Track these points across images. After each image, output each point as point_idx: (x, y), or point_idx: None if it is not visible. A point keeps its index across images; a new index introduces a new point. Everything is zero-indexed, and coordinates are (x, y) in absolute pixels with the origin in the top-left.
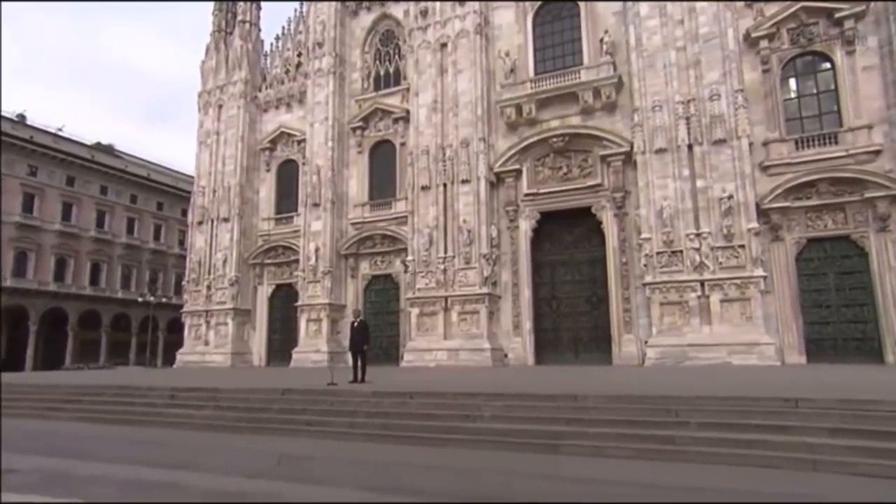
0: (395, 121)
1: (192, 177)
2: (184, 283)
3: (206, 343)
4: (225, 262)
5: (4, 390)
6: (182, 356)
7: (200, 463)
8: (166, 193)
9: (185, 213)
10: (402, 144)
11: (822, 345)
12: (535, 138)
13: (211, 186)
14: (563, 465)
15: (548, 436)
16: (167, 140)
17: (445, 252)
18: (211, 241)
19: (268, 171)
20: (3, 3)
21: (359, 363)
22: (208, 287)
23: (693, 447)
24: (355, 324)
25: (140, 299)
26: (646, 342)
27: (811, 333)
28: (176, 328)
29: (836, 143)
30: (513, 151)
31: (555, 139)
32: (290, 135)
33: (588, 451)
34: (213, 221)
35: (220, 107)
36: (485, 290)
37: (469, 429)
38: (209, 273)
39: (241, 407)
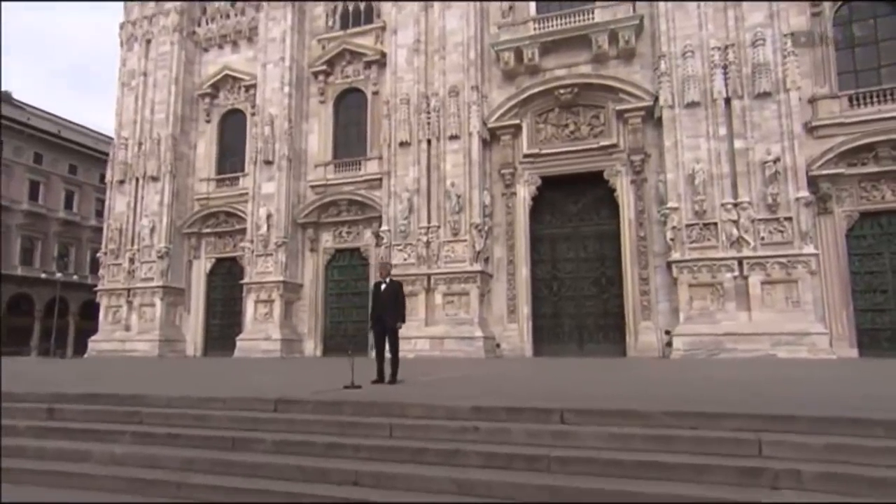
0: (368, 65)
1: (114, 138)
2: (99, 255)
3: (128, 328)
4: (153, 230)
5: None
6: (95, 344)
7: None
8: (81, 155)
9: (104, 178)
10: (376, 93)
11: (876, 336)
12: (537, 89)
13: (136, 138)
14: None
15: None
16: (92, 106)
17: (429, 221)
18: (135, 204)
19: (208, 121)
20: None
21: (384, 351)
22: (131, 260)
23: None
24: (382, 286)
25: (43, 275)
26: (667, 331)
27: (864, 322)
28: (91, 313)
29: None
30: (511, 104)
31: (561, 90)
32: (236, 79)
33: None
34: (137, 181)
35: (149, 42)
36: (476, 266)
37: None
38: (132, 243)
39: (194, 437)
